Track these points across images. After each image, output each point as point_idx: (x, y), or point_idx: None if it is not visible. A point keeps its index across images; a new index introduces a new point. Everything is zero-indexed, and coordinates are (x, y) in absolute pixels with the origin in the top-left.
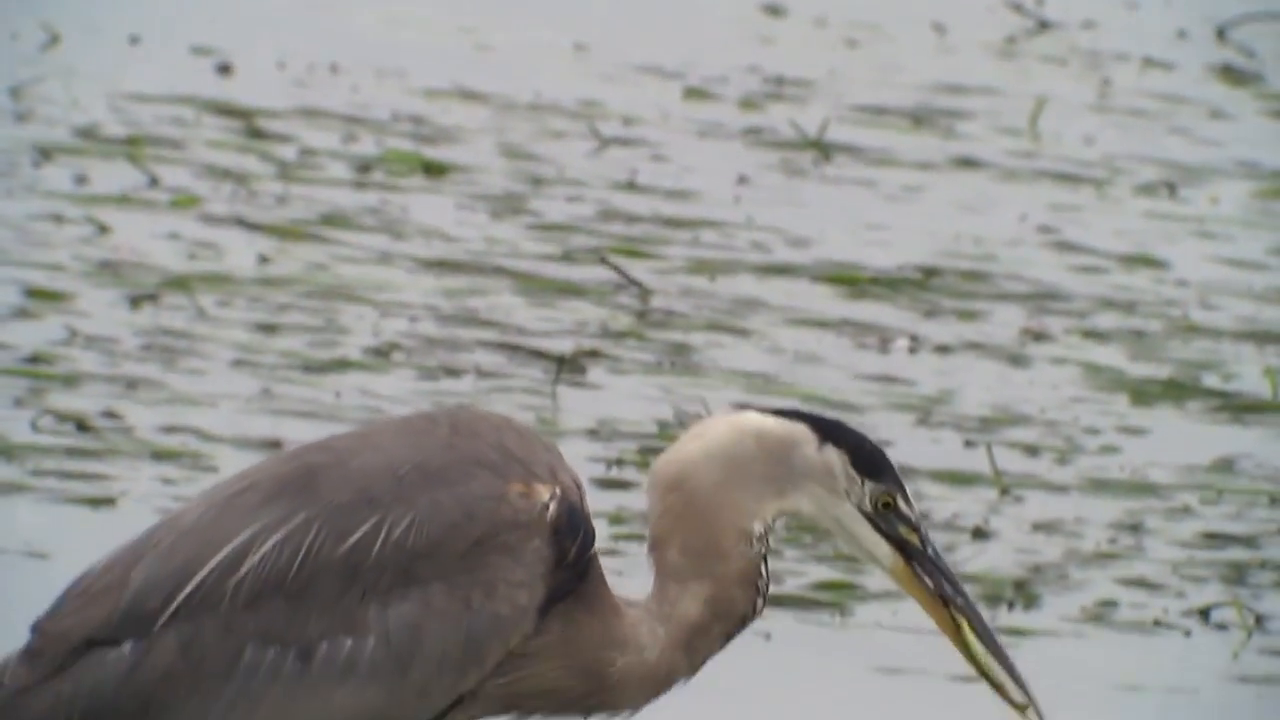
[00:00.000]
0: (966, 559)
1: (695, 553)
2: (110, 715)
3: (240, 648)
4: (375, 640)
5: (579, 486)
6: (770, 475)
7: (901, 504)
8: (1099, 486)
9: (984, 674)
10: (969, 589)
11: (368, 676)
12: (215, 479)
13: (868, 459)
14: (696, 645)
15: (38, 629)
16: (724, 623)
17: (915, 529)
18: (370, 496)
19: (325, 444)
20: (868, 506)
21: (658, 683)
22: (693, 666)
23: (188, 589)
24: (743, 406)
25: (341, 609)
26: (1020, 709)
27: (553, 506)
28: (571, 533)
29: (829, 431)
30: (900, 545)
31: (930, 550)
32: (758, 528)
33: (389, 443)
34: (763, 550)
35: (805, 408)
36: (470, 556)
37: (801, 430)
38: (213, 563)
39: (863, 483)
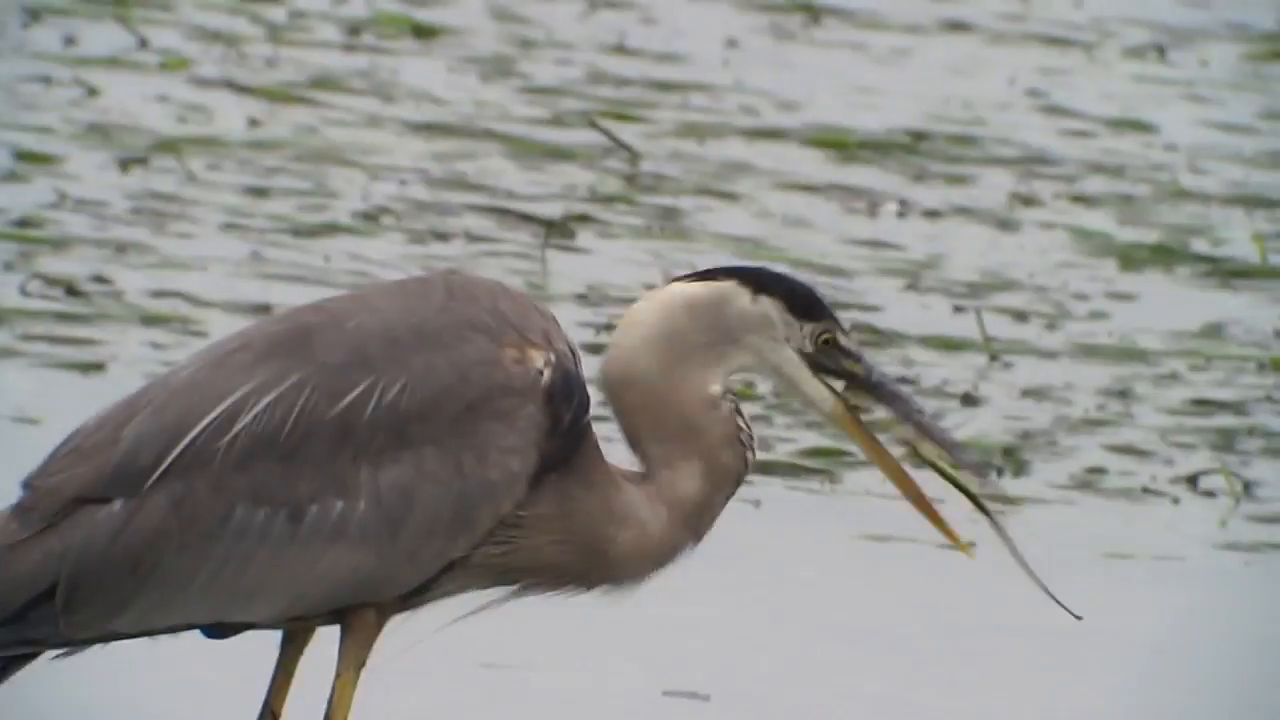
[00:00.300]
0: (956, 425)
1: (671, 438)
2: (100, 572)
3: (231, 507)
4: (366, 502)
5: (574, 352)
6: (711, 342)
7: (841, 338)
8: (1088, 352)
9: (955, 484)
10: None
11: (357, 538)
12: (205, 343)
13: (802, 301)
14: (699, 522)
15: (28, 485)
16: (723, 488)
17: (858, 360)
18: (364, 358)
19: (320, 305)
20: (808, 348)
21: (662, 556)
22: (698, 536)
23: (179, 447)
24: (670, 280)
25: (333, 470)
26: (988, 515)
27: (547, 372)
28: (566, 399)
29: (760, 282)
30: (848, 377)
31: (876, 377)
32: (716, 389)
33: (384, 305)
34: (732, 405)
35: (730, 263)
36: (463, 421)
37: (730, 287)
38: (204, 421)
39: (800, 325)
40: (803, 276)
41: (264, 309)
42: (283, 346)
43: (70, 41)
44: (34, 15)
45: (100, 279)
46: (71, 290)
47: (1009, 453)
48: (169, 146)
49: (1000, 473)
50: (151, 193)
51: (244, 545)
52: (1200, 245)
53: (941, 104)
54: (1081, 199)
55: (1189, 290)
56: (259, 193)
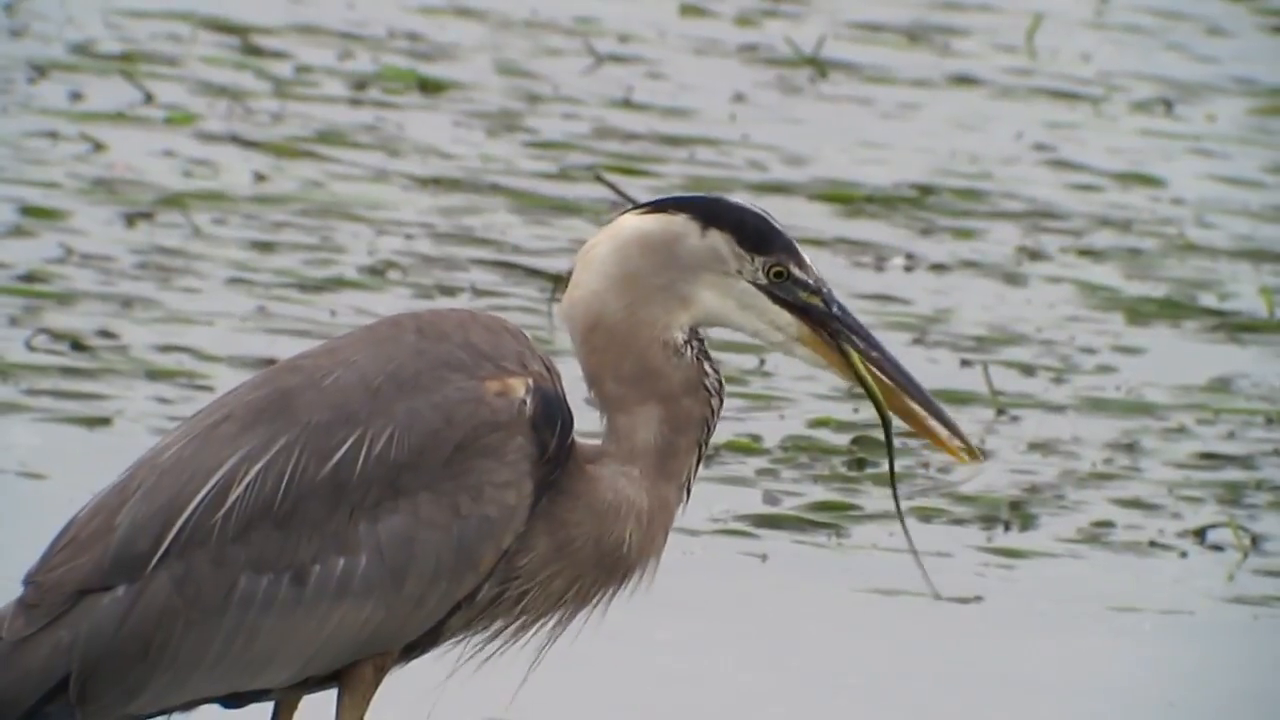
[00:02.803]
0: (963, 479)
1: (630, 379)
2: (111, 659)
3: (234, 579)
4: (368, 556)
5: (550, 369)
6: (669, 282)
7: (795, 270)
8: (1095, 406)
9: (914, 420)
10: (965, 510)
11: (363, 593)
12: (211, 398)
13: (753, 233)
14: (671, 467)
15: (30, 581)
16: (688, 434)
17: (815, 292)
18: (347, 413)
19: (293, 364)
20: (762, 280)
21: (659, 521)
22: (681, 488)
23: (176, 527)
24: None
25: (331, 529)
26: (959, 454)
27: (529, 401)
28: (550, 425)
29: (709, 215)
30: (803, 311)
31: (836, 309)
32: (679, 336)
33: (358, 355)
34: (696, 352)
35: (685, 192)
36: (454, 462)
37: (680, 221)
38: (198, 498)
39: (752, 258)
40: (758, 205)
41: (270, 363)
42: (265, 412)
43: (76, 96)
44: (40, 71)
45: (106, 334)
46: (77, 345)
47: (1016, 506)
48: (175, 201)
49: (1007, 526)
50: (157, 247)
51: (251, 615)
52: (1208, 299)
53: (948, 158)
54: (1089, 253)
55: (1196, 344)
56: (265, 247)
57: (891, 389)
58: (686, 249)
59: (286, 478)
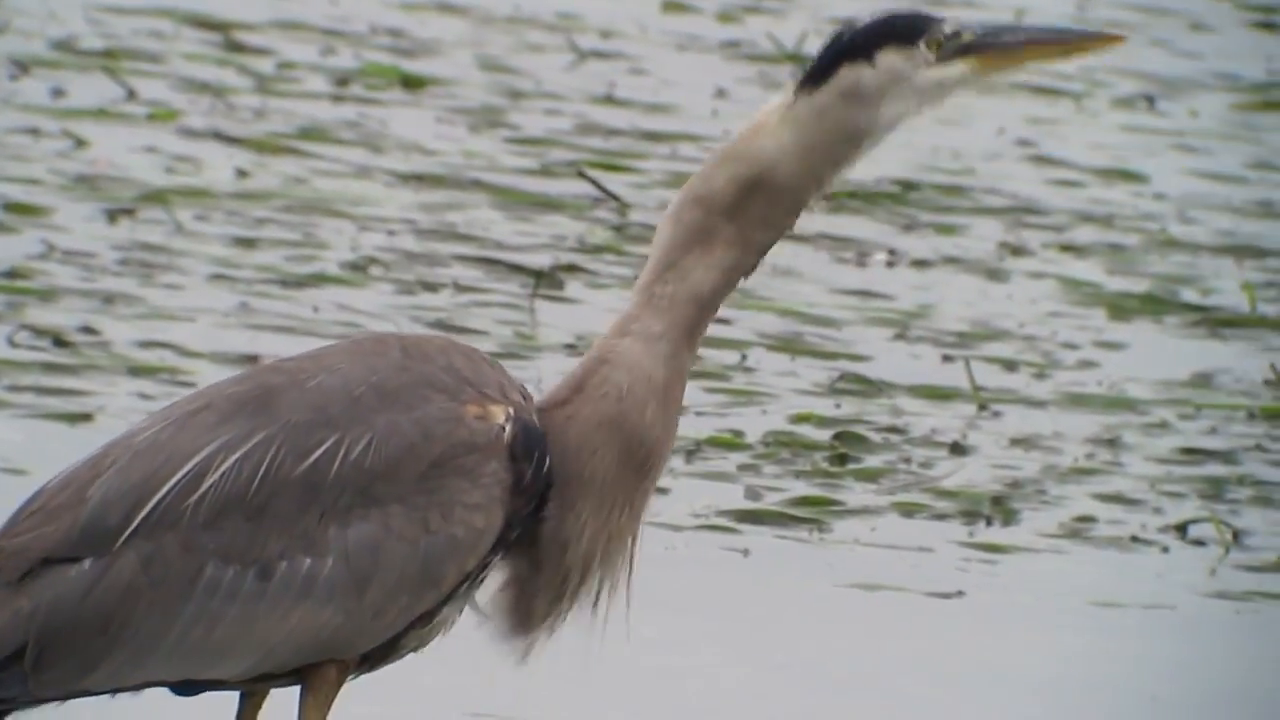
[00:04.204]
0: (945, 474)
1: (745, 221)
2: (70, 631)
3: (201, 566)
4: (334, 560)
5: (529, 400)
6: (853, 132)
7: (945, 27)
8: (1077, 401)
9: (1064, 50)
10: (946, 505)
11: (325, 596)
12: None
13: (905, 29)
14: (698, 331)
15: None
16: (727, 293)
17: (958, 33)
18: (328, 416)
19: (277, 366)
20: (932, 58)
21: (674, 395)
22: (693, 347)
23: (148, 507)
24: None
25: (300, 529)
26: (1105, 43)
27: (509, 428)
28: (527, 456)
29: (866, 47)
30: (964, 51)
31: (984, 28)
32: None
33: (343, 364)
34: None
35: (832, 41)
36: (428, 478)
37: (848, 74)
38: (173, 480)
39: (918, 47)
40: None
41: (252, 360)
42: (246, 406)
43: (58, 93)
44: (22, 67)
45: (88, 330)
46: (59, 341)
47: (998, 502)
48: (157, 197)
49: (989, 521)
50: (139, 244)
51: (214, 603)
52: (1190, 294)
53: (930, 154)
54: (1071, 248)
55: (1178, 339)
56: (247, 243)
57: (1045, 48)
58: (867, 90)
59: (262, 471)
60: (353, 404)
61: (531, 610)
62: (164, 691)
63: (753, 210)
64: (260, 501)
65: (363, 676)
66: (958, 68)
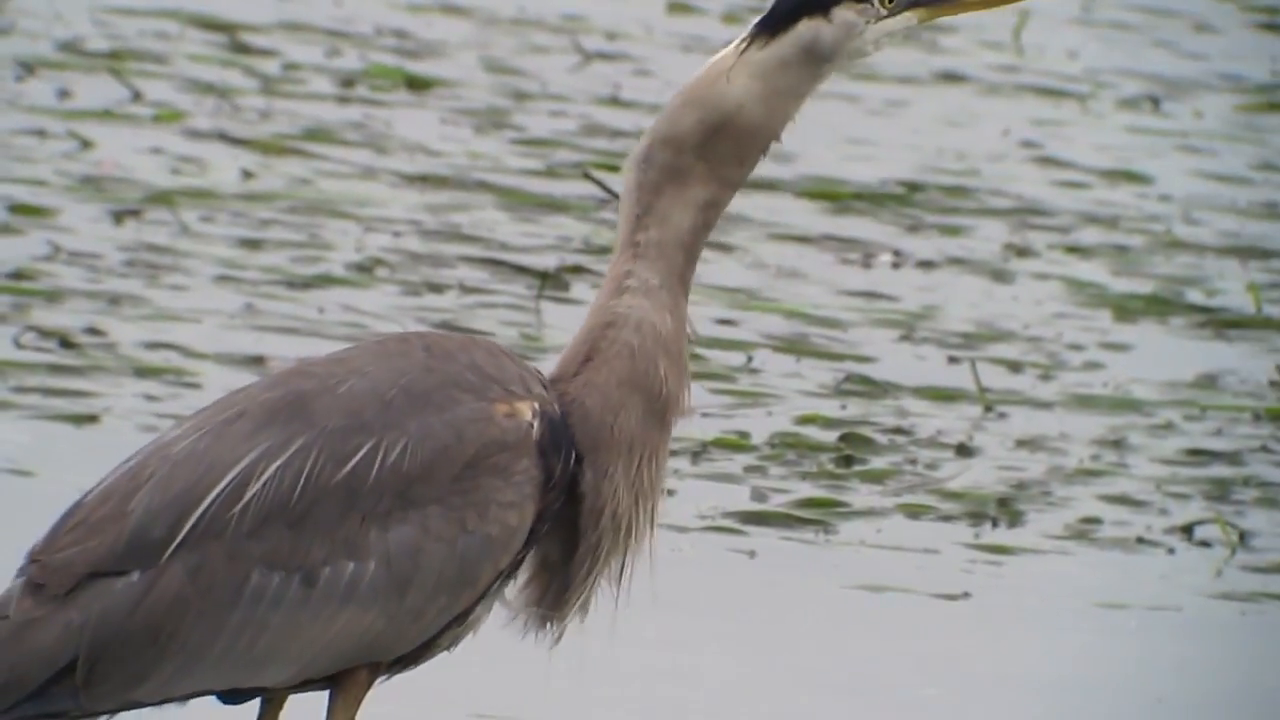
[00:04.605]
0: (950, 476)
1: (715, 160)
2: (120, 643)
3: (246, 574)
4: (376, 563)
5: (549, 389)
6: (810, 78)
7: None
8: (1082, 403)
9: None
10: (952, 506)
11: (368, 599)
12: (199, 395)
13: None
14: (688, 274)
15: (35, 559)
16: (706, 236)
17: None
18: (362, 422)
19: (305, 370)
20: (884, 11)
21: (679, 345)
22: (687, 293)
23: (193, 518)
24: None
25: (342, 534)
26: None
27: (536, 424)
28: (555, 450)
29: (819, 2)
30: (913, 3)
31: None
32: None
33: (370, 367)
34: None
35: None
36: (463, 479)
37: (807, 27)
38: (216, 490)
39: (871, 2)
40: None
41: (258, 361)
42: (281, 413)
43: (64, 94)
44: (28, 69)
45: (94, 331)
46: (65, 342)
47: (1004, 503)
48: (163, 199)
49: (995, 523)
50: (145, 245)
51: (260, 611)
52: (1195, 296)
53: (935, 155)
54: (1076, 250)
55: (1183, 341)
56: (253, 245)
57: None
58: (825, 44)
59: (303, 479)
60: (385, 408)
61: (566, 591)
62: (207, 702)
63: (720, 149)
64: (303, 509)
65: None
66: (904, 17)
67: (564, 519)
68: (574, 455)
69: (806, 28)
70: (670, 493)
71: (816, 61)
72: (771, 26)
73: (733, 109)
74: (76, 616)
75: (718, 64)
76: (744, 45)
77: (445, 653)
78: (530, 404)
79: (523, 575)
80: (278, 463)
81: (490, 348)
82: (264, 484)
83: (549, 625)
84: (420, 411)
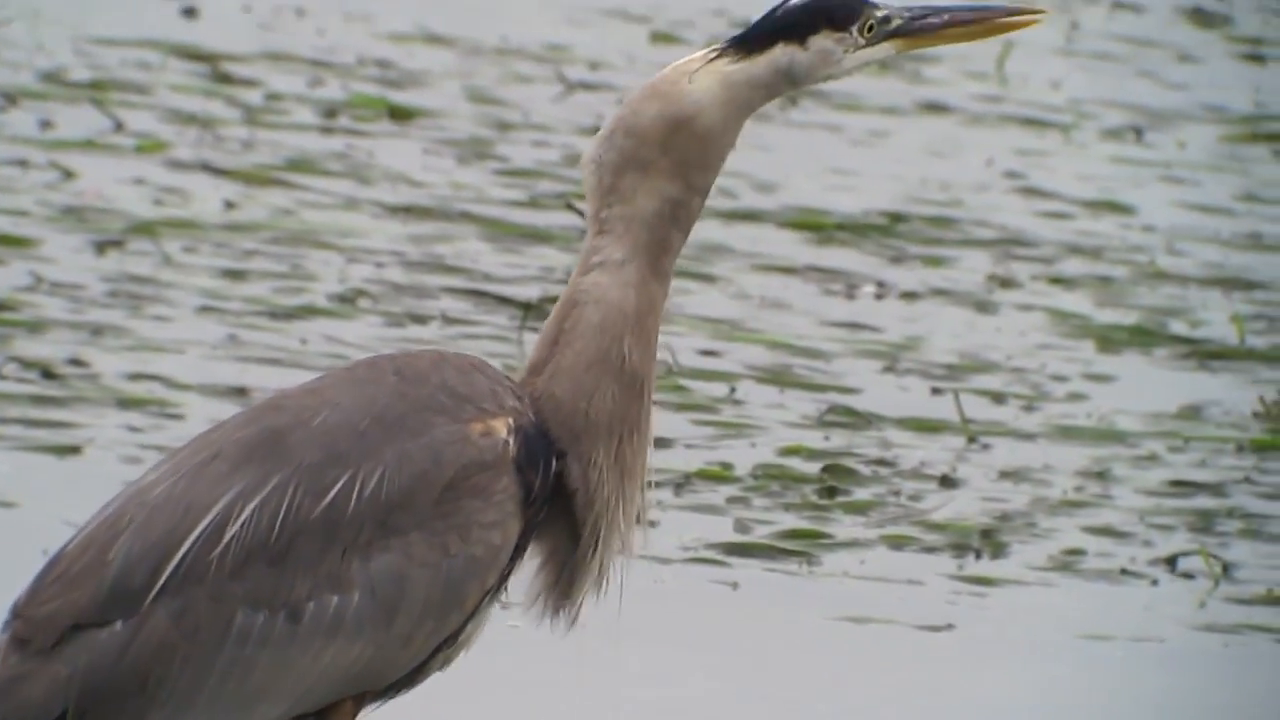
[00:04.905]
0: (934, 507)
1: (676, 157)
2: (108, 694)
3: (231, 615)
4: (360, 595)
5: (523, 400)
6: (777, 95)
7: (877, 13)
8: (1066, 434)
9: (991, 29)
10: (936, 538)
11: (354, 630)
12: (182, 426)
13: (842, 13)
14: (662, 263)
15: (19, 615)
16: (682, 232)
17: (889, 17)
18: (338, 454)
19: (278, 404)
20: (862, 41)
21: (650, 325)
22: (665, 292)
23: (173, 562)
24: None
25: (325, 568)
26: (1032, 20)
27: (512, 441)
28: (533, 465)
29: (802, 29)
30: (893, 34)
31: (910, 11)
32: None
33: (343, 397)
34: None
35: (773, 13)
36: (443, 502)
37: (783, 52)
38: (195, 534)
39: (849, 32)
40: None
41: (241, 392)
42: (256, 451)
43: (46, 124)
44: (10, 99)
45: (77, 362)
46: (48, 373)
47: (987, 534)
48: (145, 229)
49: (979, 554)
50: (128, 275)
51: (247, 650)
52: (1178, 326)
53: (919, 186)
54: (1059, 280)
55: (1167, 372)
56: (235, 275)
57: (966, 29)
58: (800, 69)
59: (281, 516)
60: (360, 438)
61: (576, 576)
62: None
63: (681, 147)
64: (283, 546)
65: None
66: (883, 48)
67: (561, 509)
68: (553, 460)
69: (783, 53)
70: (653, 524)
71: (788, 85)
72: (747, 46)
73: (692, 111)
74: (63, 670)
75: (685, 65)
76: (714, 56)
77: (439, 672)
78: (504, 420)
79: (534, 562)
80: (255, 502)
81: (460, 364)
82: (242, 524)
83: (564, 610)
84: (395, 439)
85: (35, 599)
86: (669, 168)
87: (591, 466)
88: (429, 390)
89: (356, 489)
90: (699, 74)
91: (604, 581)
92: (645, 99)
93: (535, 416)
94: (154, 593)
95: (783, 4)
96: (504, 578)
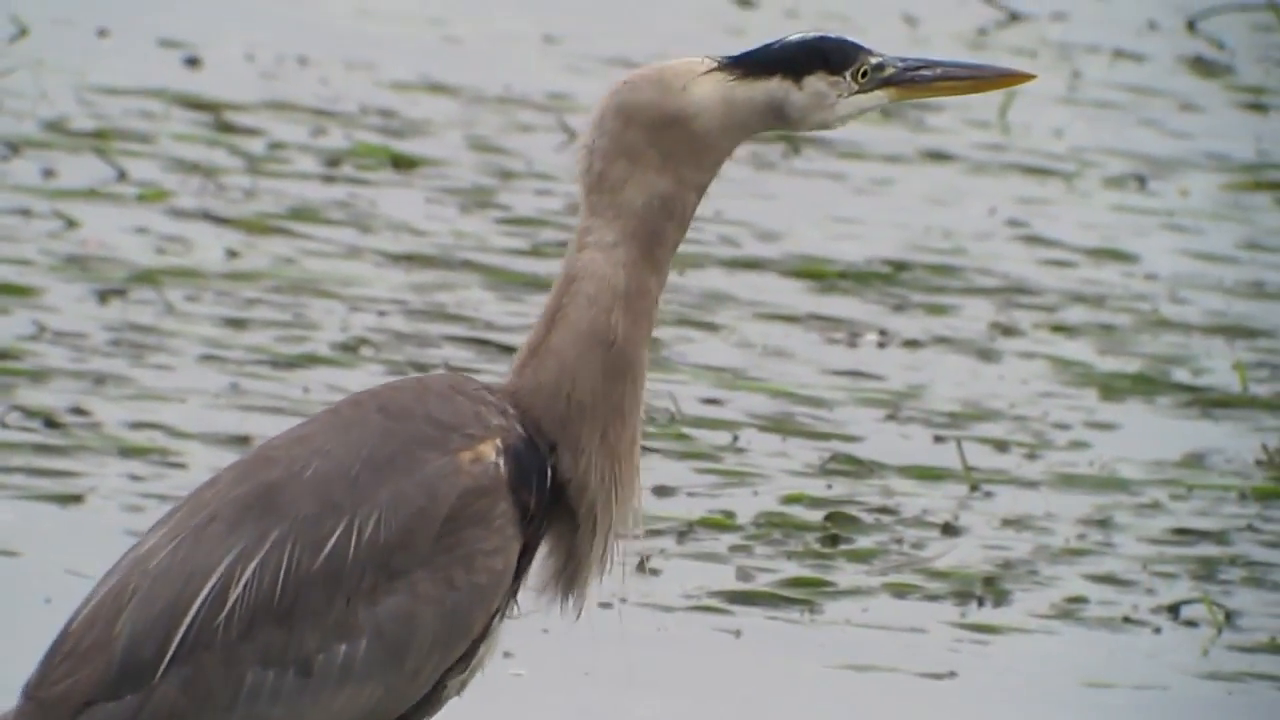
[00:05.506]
0: (936, 555)
1: (669, 152)
2: None
3: (242, 676)
4: (369, 640)
5: (506, 414)
6: (772, 125)
7: (871, 60)
8: (1068, 482)
9: (982, 86)
10: (938, 585)
11: (364, 674)
12: (184, 475)
13: (838, 58)
14: (656, 254)
15: (31, 696)
16: (677, 228)
17: (883, 66)
18: (333, 503)
19: (267, 456)
20: (855, 87)
21: (639, 306)
22: (660, 284)
23: (180, 632)
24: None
25: (331, 619)
26: (1020, 78)
27: (502, 464)
28: (525, 483)
29: (798, 68)
30: (885, 82)
31: (904, 62)
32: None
33: (330, 444)
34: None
35: (770, 47)
36: (444, 536)
37: (779, 86)
38: (199, 601)
39: (843, 76)
40: (809, 36)
41: (243, 440)
42: (251, 510)
43: (49, 173)
44: (13, 148)
45: (79, 410)
46: (50, 422)
47: (990, 582)
48: (148, 278)
49: (981, 602)
50: (130, 324)
51: (259, 707)
52: (1181, 375)
53: (921, 234)
54: (1062, 328)
55: (1170, 420)
56: (238, 324)
57: (958, 84)
58: (794, 107)
59: (283, 572)
60: (353, 484)
61: (579, 561)
62: None
63: (671, 140)
64: (288, 602)
65: None
66: (876, 96)
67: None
68: (547, 470)
69: (779, 86)
70: (655, 572)
71: (779, 118)
72: (745, 69)
73: (690, 111)
74: None
75: (691, 63)
76: (713, 67)
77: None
78: (492, 443)
79: (542, 550)
80: (255, 561)
81: (441, 389)
82: (245, 586)
83: (572, 595)
84: (388, 480)
85: (45, 680)
86: (657, 160)
87: (580, 452)
88: (415, 424)
89: (354, 536)
90: (703, 79)
91: (607, 564)
92: (648, 82)
93: (523, 418)
94: (164, 664)
95: (780, 40)
96: (513, 593)
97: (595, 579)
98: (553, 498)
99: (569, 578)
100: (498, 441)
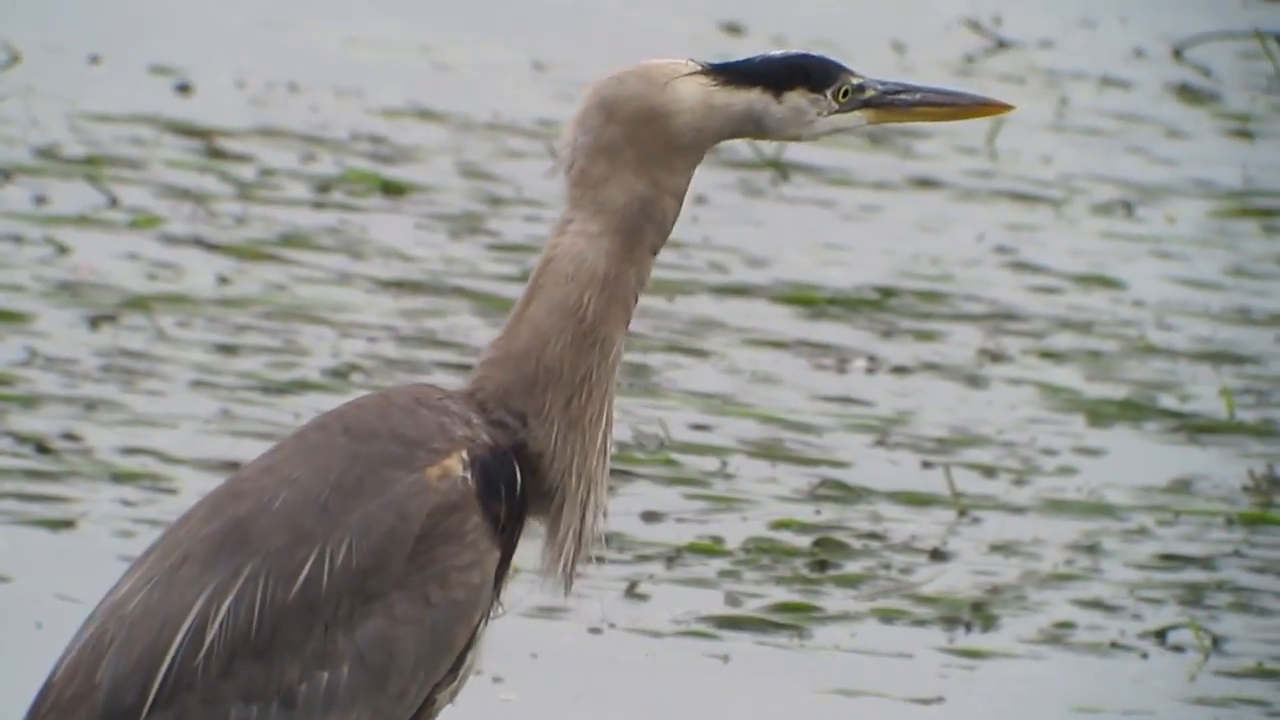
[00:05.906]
0: (924, 580)
1: (647, 153)
2: None
3: (225, 715)
4: (350, 666)
5: (473, 422)
6: (748, 131)
7: (852, 80)
8: (1056, 507)
9: (961, 113)
10: (926, 611)
11: (348, 701)
12: (175, 500)
13: (820, 76)
14: (636, 250)
15: None
16: (656, 232)
17: (864, 88)
18: (303, 532)
19: (236, 490)
20: (835, 107)
21: (615, 293)
22: (639, 283)
23: (160, 676)
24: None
25: (310, 648)
26: (999, 108)
27: (470, 476)
28: (494, 494)
29: (780, 82)
30: (865, 104)
31: (884, 85)
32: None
33: (299, 471)
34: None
35: (753, 60)
36: (418, 554)
37: (759, 98)
38: (176, 643)
39: (824, 95)
40: (796, 55)
41: (234, 466)
42: (224, 547)
43: (41, 200)
44: (5, 174)
45: (70, 436)
46: (41, 448)
47: (978, 607)
48: (139, 304)
49: (969, 627)
50: (121, 350)
51: None
52: (1168, 401)
53: (910, 260)
54: (1049, 355)
55: (1157, 445)
56: (228, 350)
57: (936, 110)
58: (772, 120)
59: (259, 606)
60: (323, 512)
61: (559, 535)
62: None
63: (647, 138)
64: (265, 636)
65: None
66: (855, 116)
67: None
68: (516, 478)
69: (759, 98)
70: (644, 597)
71: (758, 129)
72: (726, 77)
73: (673, 108)
74: None
75: (676, 63)
76: (697, 70)
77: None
78: (458, 456)
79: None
80: (230, 599)
81: (404, 403)
82: (221, 624)
83: (556, 570)
84: (357, 504)
85: None
86: (634, 161)
87: (544, 420)
88: (380, 444)
89: (327, 563)
90: (686, 80)
91: (585, 537)
92: (634, 76)
93: (491, 403)
94: (146, 709)
95: (763, 55)
96: (496, 596)
97: (577, 552)
98: (530, 484)
99: (553, 554)
100: (464, 454)
